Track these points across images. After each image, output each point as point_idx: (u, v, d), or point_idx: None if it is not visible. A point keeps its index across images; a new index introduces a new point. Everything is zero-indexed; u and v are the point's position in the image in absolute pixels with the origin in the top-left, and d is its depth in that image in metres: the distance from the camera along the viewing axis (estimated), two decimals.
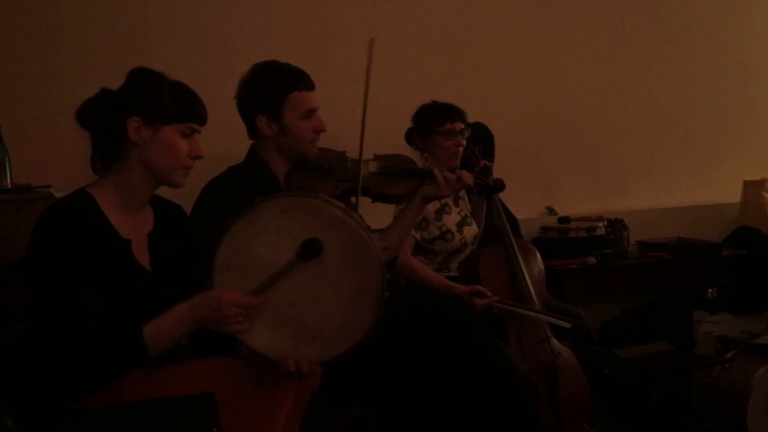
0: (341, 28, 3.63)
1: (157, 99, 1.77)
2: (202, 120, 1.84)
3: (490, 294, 2.80)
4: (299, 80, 2.30)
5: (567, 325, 2.83)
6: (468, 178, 2.49)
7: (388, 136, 2.98)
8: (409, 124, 3.11)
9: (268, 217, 1.68)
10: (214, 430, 1.57)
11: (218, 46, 3.41)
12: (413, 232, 2.94)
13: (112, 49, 3.23)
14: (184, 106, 1.80)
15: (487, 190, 2.86)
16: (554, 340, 2.90)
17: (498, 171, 3.28)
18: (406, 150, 3.02)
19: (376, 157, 2.50)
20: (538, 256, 3.10)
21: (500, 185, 2.83)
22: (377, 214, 2.62)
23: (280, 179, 2.35)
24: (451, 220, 3.06)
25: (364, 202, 2.38)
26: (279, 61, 2.34)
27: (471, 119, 3.16)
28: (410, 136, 3.11)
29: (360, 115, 2.18)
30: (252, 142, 2.39)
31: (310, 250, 1.64)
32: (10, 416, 1.64)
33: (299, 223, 1.66)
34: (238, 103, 2.34)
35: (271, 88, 2.27)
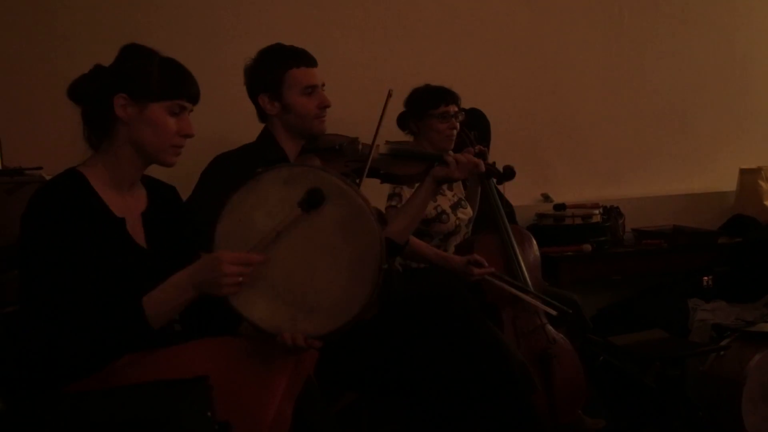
0: (336, 14, 3.60)
1: (144, 75, 1.73)
2: (192, 97, 1.79)
3: (487, 263, 2.78)
4: (297, 57, 2.33)
5: (553, 312, 2.81)
6: (481, 164, 2.52)
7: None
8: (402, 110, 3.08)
9: (268, 187, 1.68)
10: (208, 413, 1.55)
11: (213, 29, 3.39)
12: None
13: (105, 32, 3.19)
14: (172, 83, 1.76)
15: (499, 176, 2.86)
16: (549, 327, 2.89)
17: (494, 157, 3.26)
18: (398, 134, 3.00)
19: (389, 143, 2.53)
20: (534, 242, 3.09)
21: (511, 172, 2.82)
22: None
23: (291, 157, 2.36)
24: (445, 201, 3.05)
25: (372, 185, 2.41)
26: (282, 43, 2.38)
27: (467, 105, 3.14)
28: (403, 121, 3.08)
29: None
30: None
31: (313, 200, 1.63)
32: (1, 399, 1.62)
33: (300, 194, 1.65)
34: (246, 86, 2.40)
35: (270, 68, 2.32)
